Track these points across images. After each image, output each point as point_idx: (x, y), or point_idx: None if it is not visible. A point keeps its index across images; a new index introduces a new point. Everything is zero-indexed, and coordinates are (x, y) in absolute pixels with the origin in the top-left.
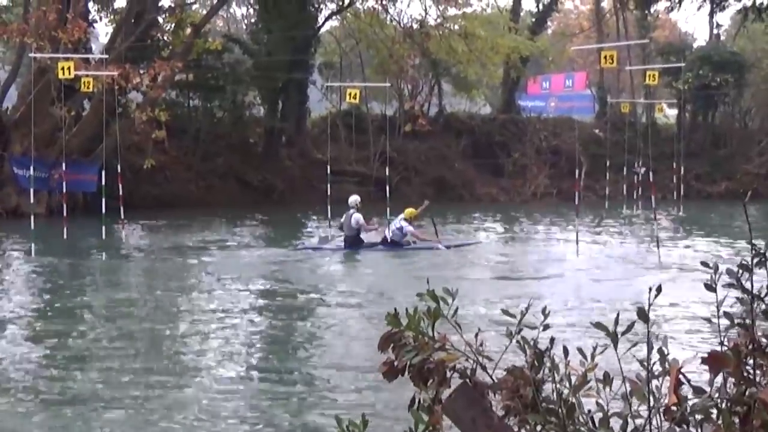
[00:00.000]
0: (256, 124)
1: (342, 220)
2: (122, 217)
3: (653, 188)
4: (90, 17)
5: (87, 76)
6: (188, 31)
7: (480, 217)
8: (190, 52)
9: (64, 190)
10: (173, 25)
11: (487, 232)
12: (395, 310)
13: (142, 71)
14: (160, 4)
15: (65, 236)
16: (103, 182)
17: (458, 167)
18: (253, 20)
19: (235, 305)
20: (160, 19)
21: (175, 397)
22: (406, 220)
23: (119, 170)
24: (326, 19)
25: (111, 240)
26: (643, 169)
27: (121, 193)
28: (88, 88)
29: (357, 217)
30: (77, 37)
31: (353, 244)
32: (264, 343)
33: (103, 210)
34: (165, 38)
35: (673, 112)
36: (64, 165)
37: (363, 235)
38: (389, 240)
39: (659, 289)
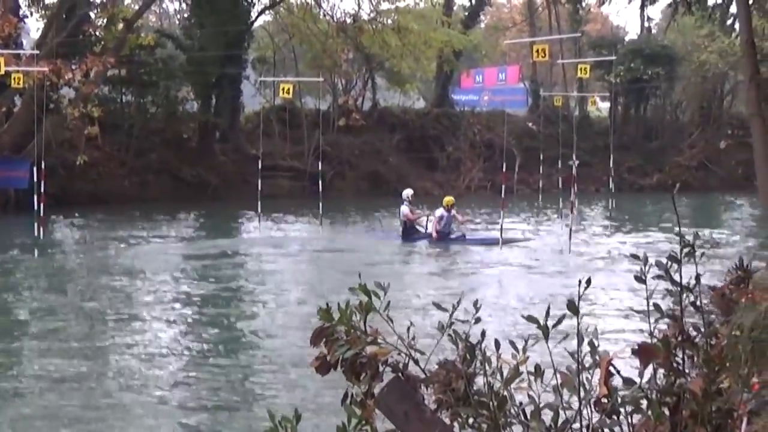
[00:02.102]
0: (190, 119)
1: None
2: (41, 215)
3: (573, 180)
4: (21, 12)
5: (18, 71)
6: (120, 26)
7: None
8: (123, 48)
9: None
10: (105, 21)
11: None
12: (327, 304)
13: (74, 67)
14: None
15: None
16: (35, 179)
17: (392, 161)
18: (185, 15)
19: (167, 301)
20: (92, 15)
21: (103, 399)
22: (444, 208)
23: (43, 167)
24: (259, 14)
25: (43, 237)
26: (577, 162)
27: (42, 190)
28: (18, 84)
29: (403, 209)
30: (7, 33)
31: (405, 235)
32: (196, 338)
33: (35, 207)
34: (97, 33)
35: (605, 105)
36: None
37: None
38: (436, 232)
39: (589, 282)
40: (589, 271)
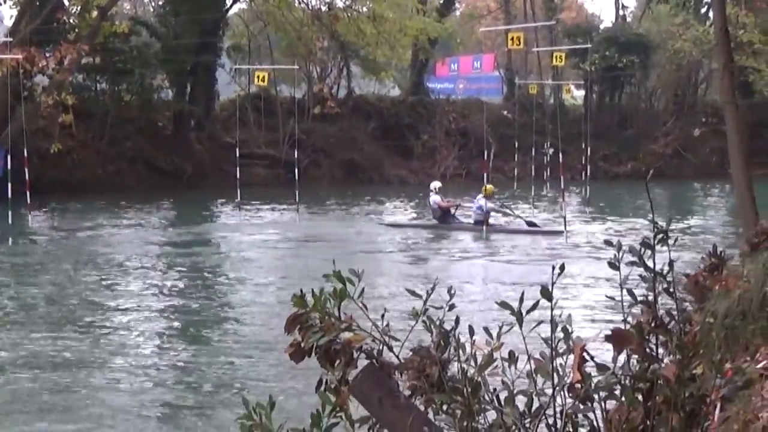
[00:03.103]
0: (165, 107)
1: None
2: (29, 202)
3: (562, 169)
4: None
5: None
6: (95, 13)
7: (392, 199)
8: (97, 35)
9: None
10: (79, 8)
11: (397, 215)
12: (301, 291)
13: (47, 54)
14: None
15: None
16: (9, 167)
17: (367, 149)
18: (160, 3)
19: (144, 289)
20: (66, 2)
21: (78, 387)
22: (485, 197)
23: (25, 155)
24: (234, 2)
25: (17, 225)
26: (551, 150)
27: (27, 178)
28: None
29: (434, 198)
30: None
31: (441, 222)
32: (171, 325)
33: (9, 195)
34: (71, 21)
35: (580, 93)
36: None
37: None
38: (474, 221)
39: (562, 268)
40: (563, 257)
